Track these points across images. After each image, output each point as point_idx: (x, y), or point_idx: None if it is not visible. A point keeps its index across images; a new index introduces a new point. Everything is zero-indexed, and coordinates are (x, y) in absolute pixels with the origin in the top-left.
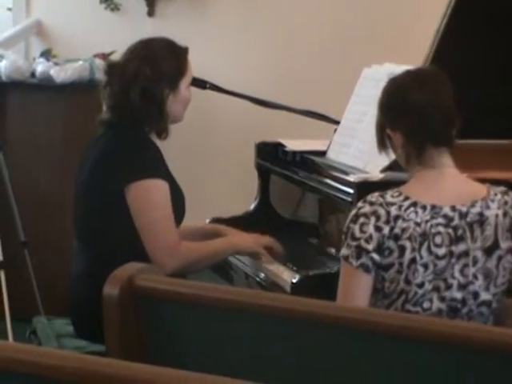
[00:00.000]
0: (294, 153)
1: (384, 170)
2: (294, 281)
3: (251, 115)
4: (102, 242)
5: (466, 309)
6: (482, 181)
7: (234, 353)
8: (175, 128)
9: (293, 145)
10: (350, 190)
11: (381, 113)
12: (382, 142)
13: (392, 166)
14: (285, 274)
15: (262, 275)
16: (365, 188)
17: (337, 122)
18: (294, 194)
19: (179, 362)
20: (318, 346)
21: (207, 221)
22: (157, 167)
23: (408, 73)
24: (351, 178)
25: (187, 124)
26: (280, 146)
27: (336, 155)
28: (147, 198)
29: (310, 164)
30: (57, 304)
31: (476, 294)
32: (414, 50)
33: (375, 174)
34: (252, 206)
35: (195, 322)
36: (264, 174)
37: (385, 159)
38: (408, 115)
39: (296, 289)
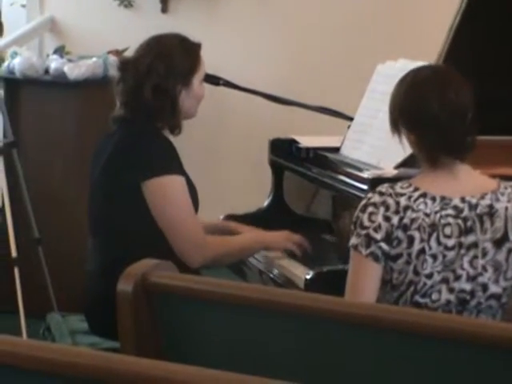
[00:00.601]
0: (308, 149)
1: (398, 167)
2: (308, 277)
3: (265, 112)
4: (117, 239)
5: (475, 301)
6: (493, 177)
7: (247, 349)
8: (189, 124)
9: (306, 141)
10: (364, 187)
11: (399, 113)
12: (396, 129)
13: (406, 163)
14: (298, 271)
15: (276, 271)
16: (378, 184)
17: (350, 119)
18: (307, 191)
19: (193, 359)
20: (329, 342)
21: (221, 217)
22: (172, 163)
23: (429, 75)
24: (365, 175)
25: (201, 120)
26: (294, 142)
27: (350, 151)
28: (166, 194)
29: (324, 160)
30: (71, 300)
31: (485, 286)
32: (428, 45)
33: (389, 170)
34: (266, 203)
35: (209, 319)
36: (278, 171)
37: (399, 155)
38: (426, 126)
39: (310, 285)
